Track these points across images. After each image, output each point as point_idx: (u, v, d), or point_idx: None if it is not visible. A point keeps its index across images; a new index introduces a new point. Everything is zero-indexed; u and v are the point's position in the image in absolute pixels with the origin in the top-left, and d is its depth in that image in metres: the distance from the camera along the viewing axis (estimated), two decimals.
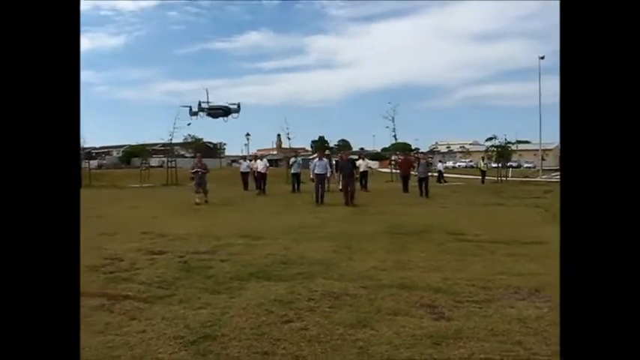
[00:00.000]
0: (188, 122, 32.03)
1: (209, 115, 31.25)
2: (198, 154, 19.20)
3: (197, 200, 15.81)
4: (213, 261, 6.95)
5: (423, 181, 18.61)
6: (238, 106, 31.86)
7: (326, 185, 16.78)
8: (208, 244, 8.32)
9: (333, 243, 8.39)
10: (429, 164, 19.87)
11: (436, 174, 30.02)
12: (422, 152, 23.69)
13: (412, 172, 20.75)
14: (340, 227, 10.43)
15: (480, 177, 30.09)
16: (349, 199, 15.09)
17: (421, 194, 18.28)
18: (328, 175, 17.17)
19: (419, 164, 19.28)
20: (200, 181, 16.14)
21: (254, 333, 4.08)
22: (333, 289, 5.37)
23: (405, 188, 20.66)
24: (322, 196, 15.63)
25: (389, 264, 6.70)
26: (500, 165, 32.73)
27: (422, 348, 3.77)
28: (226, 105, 31.67)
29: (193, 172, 16.57)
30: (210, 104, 31.09)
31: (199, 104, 30.88)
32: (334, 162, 20.21)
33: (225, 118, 31.90)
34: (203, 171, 16.34)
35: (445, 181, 29.78)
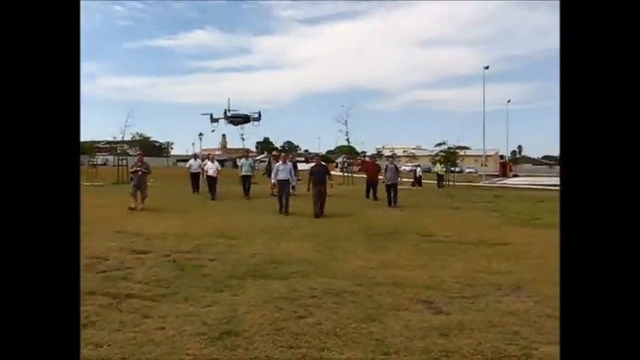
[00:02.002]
0: (212, 129, 32.92)
1: (230, 122, 32.00)
2: (139, 152, 17.93)
3: (131, 205, 13.93)
4: (203, 260, 7.03)
5: (391, 187, 16.64)
6: (259, 114, 32.94)
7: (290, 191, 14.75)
8: (189, 244, 8.34)
9: (312, 243, 8.63)
10: (397, 170, 17.51)
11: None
12: (390, 156, 22.35)
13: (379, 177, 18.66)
14: (313, 229, 10.68)
15: (436, 181, 31.30)
16: (319, 209, 13.09)
17: (390, 203, 16.29)
18: (292, 182, 15.40)
19: (387, 169, 17.18)
20: (139, 182, 14.36)
21: (273, 328, 4.27)
22: (331, 287, 5.62)
23: (370, 194, 18.54)
24: (287, 205, 13.53)
25: (374, 263, 7.03)
26: (446, 170, 34.08)
27: (433, 338, 4.09)
28: (247, 113, 32.68)
29: (132, 172, 15.00)
30: (232, 112, 31.92)
31: (225, 112, 31.92)
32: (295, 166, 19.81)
33: (243, 126, 32.73)
34: (144, 170, 14.63)
35: (421, 186, 30.22)
